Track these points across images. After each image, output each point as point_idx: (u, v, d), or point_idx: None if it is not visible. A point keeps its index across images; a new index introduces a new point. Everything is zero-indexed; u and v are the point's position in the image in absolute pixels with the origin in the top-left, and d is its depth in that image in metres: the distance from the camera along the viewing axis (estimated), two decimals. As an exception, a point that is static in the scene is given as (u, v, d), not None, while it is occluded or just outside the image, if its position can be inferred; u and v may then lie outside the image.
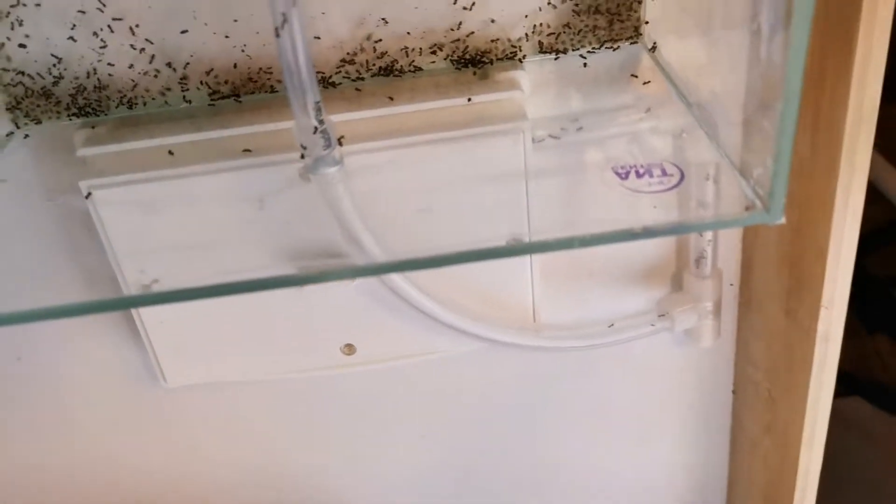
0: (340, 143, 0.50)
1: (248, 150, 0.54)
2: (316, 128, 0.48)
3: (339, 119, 0.56)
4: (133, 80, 0.58)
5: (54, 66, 0.57)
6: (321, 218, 0.52)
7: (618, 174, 0.48)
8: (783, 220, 0.41)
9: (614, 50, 0.58)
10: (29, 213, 0.60)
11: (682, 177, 0.48)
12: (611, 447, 0.81)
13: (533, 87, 0.59)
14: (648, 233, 0.42)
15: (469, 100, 0.55)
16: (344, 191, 0.49)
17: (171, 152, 0.55)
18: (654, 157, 0.49)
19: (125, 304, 0.61)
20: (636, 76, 0.57)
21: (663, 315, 0.70)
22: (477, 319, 0.64)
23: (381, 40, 0.58)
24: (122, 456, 0.79)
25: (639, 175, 0.48)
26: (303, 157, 0.49)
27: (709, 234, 0.66)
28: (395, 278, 0.60)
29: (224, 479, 0.81)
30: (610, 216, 0.49)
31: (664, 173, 0.48)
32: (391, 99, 0.56)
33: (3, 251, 0.60)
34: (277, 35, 0.45)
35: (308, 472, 0.81)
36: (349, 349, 0.68)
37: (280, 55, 0.45)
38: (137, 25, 0.56)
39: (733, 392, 0.78)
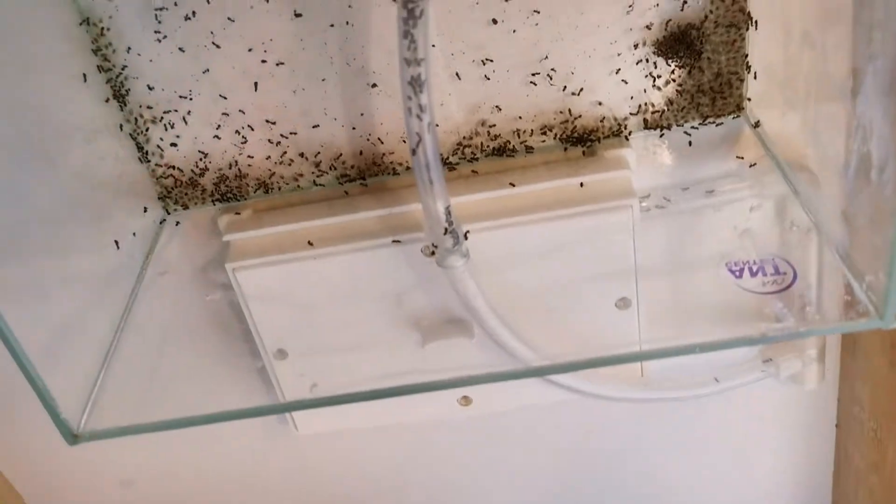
0: (466, 237, 0.55)
1: (398, 241, 0.59)
2: (446, 229, 0.52)
3: (460, 201, 0.61)
4: (269, 169, 0.64)
5: (200, 160, 0.63)
6: (452, 298, 0.57)
7: (732, 272, 0.51)
8: (896, 326, 0.44)
9: (717, 126, 0.61)
10: (186, 306, 0.67)
11: (795, 276, 0.51)
12: (713, 482, 0.85)
13: (639, 161, 0.62)
14: (766, 339, 0.45)
15: (581, 184, 0.59)
16: (473, 285, 0.54)
17: (310, 243, 0.61)
18: (761, 241, 0.52)
19: (283, 408, 0.67)
20: (742, 157, 0.60)
21: (768, 360, 0.73)
22: (587, 377, 0.68)
23: (494, 125, 0.62)
24: (257, 498, 0.85)
25: (752, 273, 0.51)
26: (433, 253, 0.54)
27: (814, 282, 0.68)
28: (509, 338, 0.64)
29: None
30: (717, 300, 0.53)
31: (777, 271, 0.51)
32: (512, 185, 0.60)
33: (163, 345, 0.66)
34: (413, 153, 0.49)
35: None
36: (466, 401, 0.73)
37: (415, 169, 0.50)
38: (274, 123, 0.61)
39: (837, 426, 0.80)
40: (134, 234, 0.61)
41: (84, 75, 0.57)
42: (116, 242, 0.59)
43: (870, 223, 0.44)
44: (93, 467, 0.86)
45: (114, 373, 0.54)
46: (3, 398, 0.80)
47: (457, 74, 0.59)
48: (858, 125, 0.43)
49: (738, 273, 0.53)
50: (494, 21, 0.57)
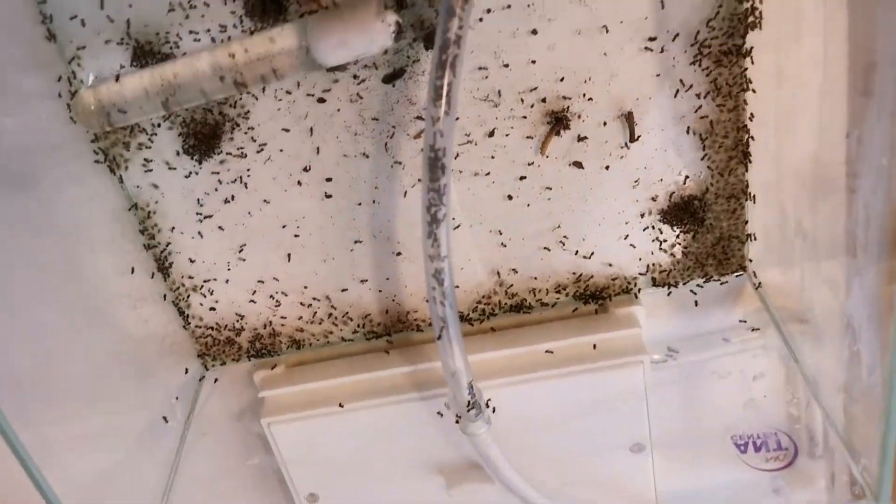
0: (488, 406, 0.59)
1: (416, 391, 0.64)
2: (469, 402, 0.56)
3: (479, 358, 0.65)
4: (301, 328, 0.68)
5: (237, 321, 0.68)
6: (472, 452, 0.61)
7: (738, 446, 0.55)
8: None
9: (722, 284, 0.65)
10: (227, 461, 0.71)
11: (797, 453, 0.54)
12: None
13: (649, 316, 0.66)
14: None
15: (594, 346, 0.63)
16: (495, 448, 0.58)
17: (340, 405, 0.65)
18: (764, 411, 0.56)
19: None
20: (745, 321, 0.64)
21: (777, 490, 0.76)
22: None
23: (512, 285, 0.66)
24: None
25: (756, 448, 0.55)
26: (458, 421, 0.58)
27: (815, 459, 0.72)
28: (530, 492, 0.68)
29: None
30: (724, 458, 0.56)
31: (780, 447, 0.55)
32: (549, 352, 0.64)
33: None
34: (439, 337, 0.53)
35: None
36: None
37: (440, 351, 0.54)
38: (306, 287, 0.66)
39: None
40: (177, 398, 0.65)
41: (132, 268, 0.62)
42: (165, 419, 0.63)
43: (864, 412, 0.47)
44: None
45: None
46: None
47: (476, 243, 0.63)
48: (849, 325, 0.47)
49: (742, 448, 0.56)
50: (510, 197, 0.62)
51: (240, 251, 0.64)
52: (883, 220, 0.47)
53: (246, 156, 0.59)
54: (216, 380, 0.69)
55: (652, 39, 0.55)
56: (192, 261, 0.64)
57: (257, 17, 0.54)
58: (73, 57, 0.56)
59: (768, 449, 0.56)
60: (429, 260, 0.52)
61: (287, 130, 0.59)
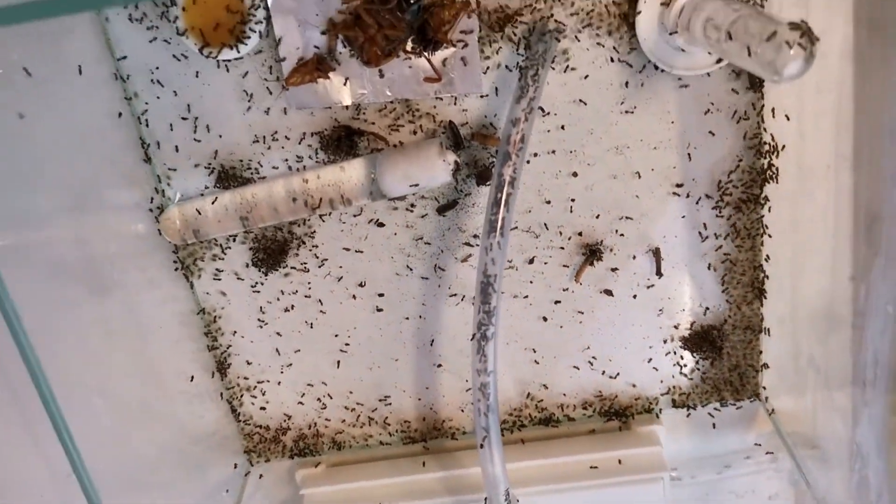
0: (520, 511, 0.63)
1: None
2: (504, 509, 0.61)
3: (512, 467, 0.69)
4: (343, 430, 0.73)
5: (284, 421, 0.73)
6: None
7: None
8: None
9: (737, 408, 0.71)
10: None
11: None
12: None
13: (668, 434, 0.71)
14: None
15: (619, 461, 0.68)
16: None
17: (380, 505, 0.69)
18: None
19: None
20: (759, 444, 0.69)
21: None
22: None
23: (542, 400, 0.71)
24: None
25: None
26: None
27: None
28: None
29: None
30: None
31: None
32: (561, 459, 0.69)
33: None
34: (481, 446, 0.59)
35: None
36: None
37: (481, 461, 0.59)
38: (351, 392, 0.71)
39: None
40: (227, 490, 0.70)
41: (192, 377, 0.68)
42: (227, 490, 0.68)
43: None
44: None
45: None
46: None
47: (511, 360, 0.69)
48: (858, 452, 0.52)
49: None
50: (545, 318, 0.68)
51: (294, 355, 0.69)
52: (890, 358, 0.53)
53: (308, 270, 0.66)
54: (261, 475, 0.74)
55: (679, 186, 0.62)
56: (248, 363, 0.70)
57: (331, 150, 0.61)
58: (164, 177, 0.63)
59: None
60: (476, 374, 0.58)
61: (347, 250, 0.65)
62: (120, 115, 0.60)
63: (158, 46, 0.58)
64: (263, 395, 0.71)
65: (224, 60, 0.58)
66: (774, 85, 0.57)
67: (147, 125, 0.61)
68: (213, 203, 0.63)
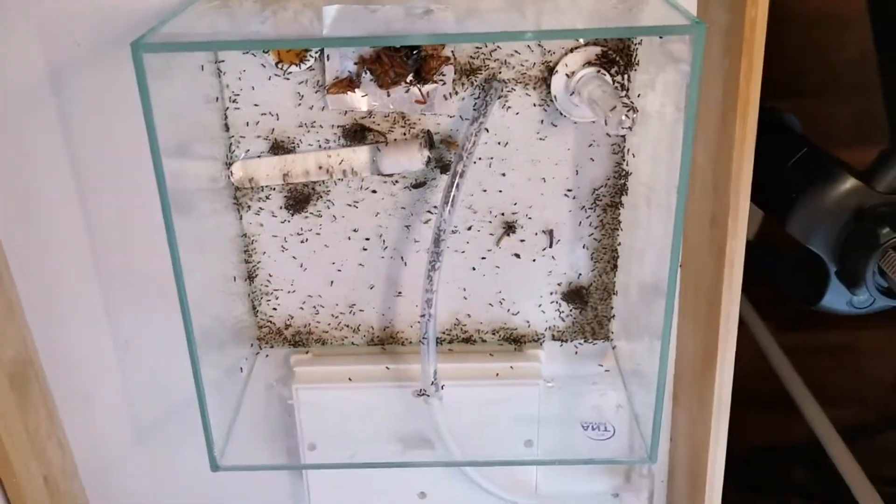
0: (442, 388, 0.98)
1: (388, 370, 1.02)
2: (433, 382, 0.95)
3: (441, 367, 1.03)
4: (327, 331, 1.07)
5: (287, 321, 1.06)
6: (428, 425, 1.00)
7: (582, 427, 0.95)
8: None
9: (594, 344, 1.06)
10: (268, 405, 1.08)
11: (615, 433, 0.95)
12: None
13: (546, 358, 1.06)
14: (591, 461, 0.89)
15: (511, 368, 1.03)
16: (443, 418, 0.97)
17: (349, 378, 1.03)
18: (604, 415, 0.96)
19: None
20: (602, 365, 1.04)
21: (616, 495, 1.14)
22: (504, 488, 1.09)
23: (466, 325, 1.06)
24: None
25: (593, 429, 0.96)
26: (422, 394, 0.96)
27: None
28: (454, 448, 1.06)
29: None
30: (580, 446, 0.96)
31: (606, 429, 0.96)
32: (472, 365, 1.03)
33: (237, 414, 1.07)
34: (423, 341, 0.93)
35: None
36: (422, 495, 1.13)
37: (422, 355, 0.93)
38: (337, 304, 1.05)
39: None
40: (245, 359, 1.03)
41: (234, 277, 1.01)
42: (241, 369, 1.01)
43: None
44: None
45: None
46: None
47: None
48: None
49: (585, 428, 0.97)
50: (473, 269, 1.02)
51: (302, 273, 1.02)
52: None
53: (321, 216, 0.99)
54: (266, 355, 1.07)
55: (570, 190, 0.97)
56: (269, 275, 1.03)
57: (349, 138, 0.95)
58: (235, 141, 0.96)
59: (600, 430, 0.96)
60: (424, 292, 0.92)
61: (349, 205, 0.99)
62: (217, 98, 0.93)
63: (248, 58, 0.91)
64: (276, 300, 1.04)
65: (289, 73, 0.91)
66: (631, 134, 0.93)
67: (231, 106, 0.94)
68: (265, 163, 0.96)
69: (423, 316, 0.91)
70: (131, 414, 1.11)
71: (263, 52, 0.89)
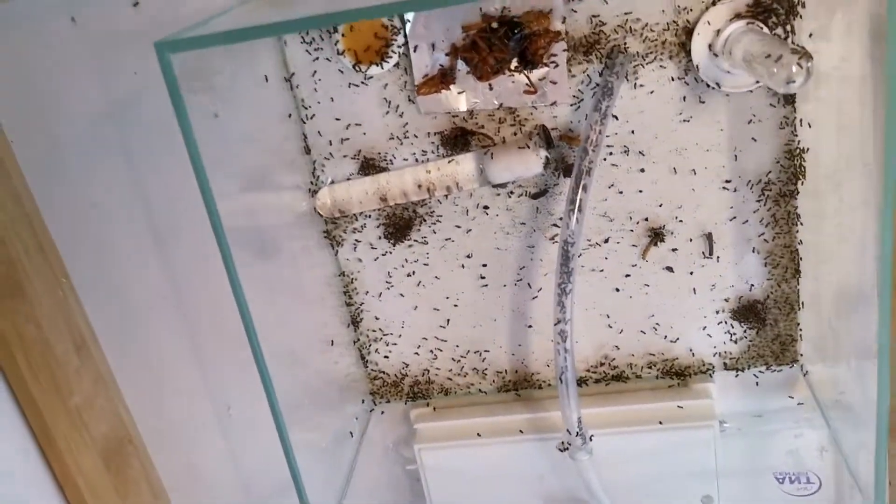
0: (591, 440, 0.79)
1: (521, 432, 0.84)
2: (577, 433, 0.76)
3: (588, 412, 0.85)
4: (450, 378, 0.90)
5: (402, 369, 0.90)
6: (577, 484, 0.81)
7: (777, 479, 0.74)
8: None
9: (778, 372, 0.85)
10: (386, 471, 0.92)
11: (821, 485, 0.73)
12: None
13: (719, 392, 0.86)
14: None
15: (679, 407, 0.83)
16: (595, 475, 0.78)
17: (478, 434, 0.86)
18: (802, 462, 0.75)
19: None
20: (792, 397, 0.83)
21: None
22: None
23: (615, 359, 0.87)
24: None
25: (791, 481, 0.74)
26: (566, 448, 0.78)
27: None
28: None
29: None
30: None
31: (808, 481, 0.74)
32: (660, 423, 0.84)
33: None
34: (560, 381, 0.75)
35: None
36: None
37: (560, 391, 0.75)
38: (458, 346, 0.88)
39: None
40: (357, 418, 0.88)
41: (332, 341, 0.86)
42: (351, 433, 0.85)
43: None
44: None
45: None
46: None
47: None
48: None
49: (781, 480, 0.75)
50: (617, 290, 0.83)
51: (413, 312, 0.87)
52: None
53: (427, 243, 0.83)
54: (382, 412, 0.91)
55: (728, 181, 0.77)
56: (377, 318, 0.88)
57: (449, 146, 0.79)
58: (319, 164, 0.82)
59: (800, 482, 0.74)
60: (556, 322, 0.74)
61: (458, 227, 0.82)
62: (290, 115, 0.79)
63: (321, 63, 0.77)
64: (387, 345, 0.89)
65: (370, 76, 0.76)
66: (803, 100, 0.72)
67: (309, 123, 0.80)
68: (356, 186, 0.81)
69: (558, 353, 0.73)
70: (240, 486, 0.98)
71: (338, 53, 0.74)
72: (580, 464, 0.78)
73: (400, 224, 0.83)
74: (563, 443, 0.79)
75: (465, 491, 0.89)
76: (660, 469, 0.84)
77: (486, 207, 0.81)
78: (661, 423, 0.82)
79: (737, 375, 0.85)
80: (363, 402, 0.90)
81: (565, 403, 0.76)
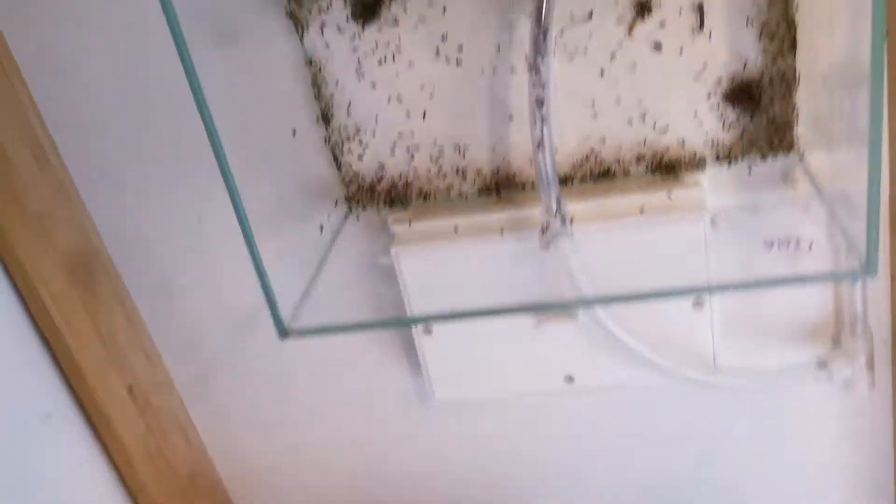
0: (571, 222, 0.74)
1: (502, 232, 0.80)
2: (556, 212, 0.72)
3: (573, 208, 0.80)
4: (428, 181, 0.85)
5: (377, 171, 0.85)
6: (555, 276, 0.77)
7: (767, 245, 0.70)
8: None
9: (774, 159, 0.79)
10: (360, 269, 0.89)
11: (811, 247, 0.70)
12: (780, 478, 0.99)
13: (710, 185, 0.81)
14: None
15: (669, 196, 0.78)
16: (575, 256, 0.73)
17: (455, 228, 0.82)
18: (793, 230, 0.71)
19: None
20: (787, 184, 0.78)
21: (823, 366, 0.88)
22: (669, 359, 0.85)
23: (600, 152, 0.82)
24: (393, 457, 1.05)
25: (780, 246, 0.70)
26: (544, 231, 0.73)
27: (860, 299, 0.84)
28: (609, 323, 0.82)
29: (468, 480, 1.05)
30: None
31: (798, 245, 0.69)
32: (614, 199, 0.80)
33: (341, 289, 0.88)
34: (538, 146, 0.70)
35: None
36: (569, 379, 0.91)
37: (536, 166, 0.70)
38: (435, 142, 0.83)
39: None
40: (328, 216, 0.83)
41: (317, 117, 0.81)
42: (321, 227, 0.81)
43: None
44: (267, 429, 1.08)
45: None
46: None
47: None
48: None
49: (770, 245, 0.72)
50: (602, 72, 0.78)
51: (386, 105, 0.81)
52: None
53: (399, 24, 0.78)
54: (358, 217, 0.87)
55: (721, -59, 0.71)
56: (348, 114, 0.83)
57: None
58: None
59: (788, 247, 0.70)
60: (532, 87, 0.69)
61: (432, 7, 0.76)
62: None
63: None
64: (361, 144, 0.84)
65: None
66: None
67: None
68: (320, -41, 0.75)
69: (534, 122, 0.68)
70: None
71: None
72: (561, 248, 0.74)
73: (368, 2, 0.77)
74: (544, 225, 0.75)
75: (444, 294, 0.85)
76: (645, 263, 0.79)
77: (461, -18, 0.75)
78: (642, 211, 0.77)
79: (730, 166, 0.80)
80: (336, 203, 0.86)
81: (543, 182, 0.71)
